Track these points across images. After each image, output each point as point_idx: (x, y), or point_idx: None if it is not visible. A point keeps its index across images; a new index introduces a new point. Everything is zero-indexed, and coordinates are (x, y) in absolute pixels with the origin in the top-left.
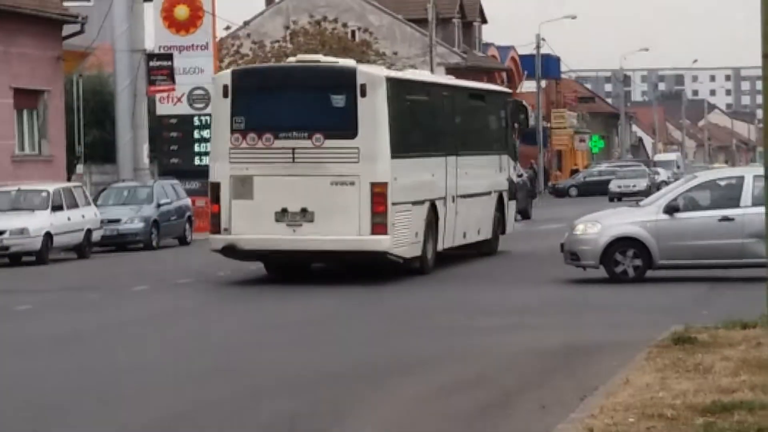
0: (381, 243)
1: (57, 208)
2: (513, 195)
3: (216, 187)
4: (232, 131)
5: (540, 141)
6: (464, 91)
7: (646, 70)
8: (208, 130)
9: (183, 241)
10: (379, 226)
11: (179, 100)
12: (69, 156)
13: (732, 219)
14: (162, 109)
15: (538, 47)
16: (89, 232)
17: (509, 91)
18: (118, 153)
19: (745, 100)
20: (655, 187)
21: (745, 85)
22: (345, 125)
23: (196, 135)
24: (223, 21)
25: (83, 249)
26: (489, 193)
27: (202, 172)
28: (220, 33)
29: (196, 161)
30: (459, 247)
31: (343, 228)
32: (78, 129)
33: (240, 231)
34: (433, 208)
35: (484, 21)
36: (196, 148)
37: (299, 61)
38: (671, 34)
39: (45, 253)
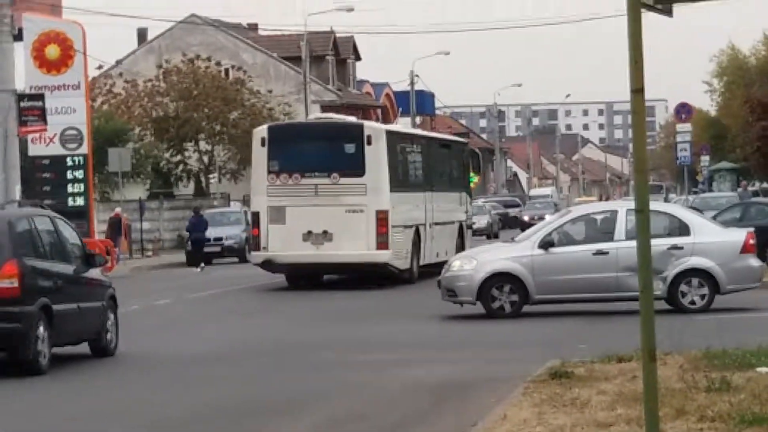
0: (383, 256)
1: None
2: (470, 225)
3: (256, 215)
4: (269, 172)
5: None
6: (436, 141)
7: (519, 105)
8: (82, 171)
9: None
10: (382, 243)
11: (51, 140)
12: None
13: (606, 253)
14: (34, 149)
15: (412, 84)
16: None
17: (466, 141)
18: None
19: (618, 134)
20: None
21: (618, 119)
22: (355, 167)
23: (69, 175)
24: (95, 60)
25: None
26: (453, 223)
27: (78, 213)
28: (92, 72)
29: (70, 202)
30: (432, 264)
31: (355, 245)
32: None
33: (275, 249)
34: (417, 231)
35: (358, 58)
36: (70, 189)
37: (318, 118)
38: (544, 70)
39: None
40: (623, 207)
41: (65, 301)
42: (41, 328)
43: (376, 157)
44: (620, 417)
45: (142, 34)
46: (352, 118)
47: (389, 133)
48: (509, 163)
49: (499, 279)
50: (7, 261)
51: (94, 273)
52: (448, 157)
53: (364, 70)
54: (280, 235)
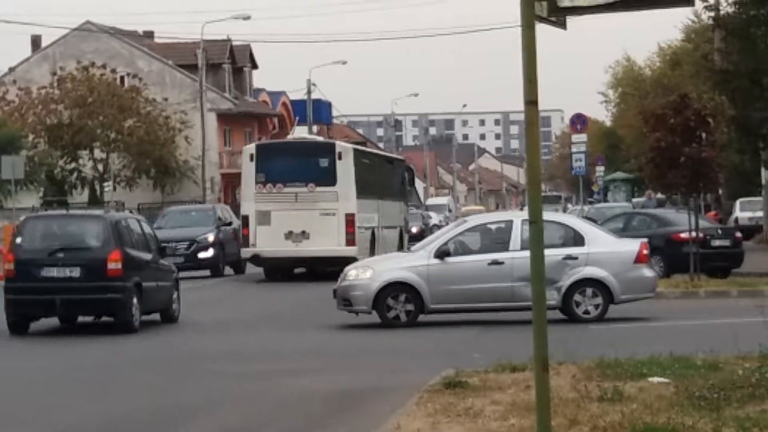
0: (351, 251)
1: None
2: (408, 230)
3: (246, 218)
4: (256, 183)
5: None
6: (385, 158)
7: (416, 114)
8: None
9: None
10: (350, 240)
11: None
12: None
13: (501, 263)
14: None
15: (309, 92)
16: None
17: (403, 158)
18: None
19: (514, 144)
20: (428, 230)
21: (514, 130)
22: (328, 178)
23: None
24: None
25: None
26: (396, 227)
27: None
28: None
29: None
30: None
31: (328, 242)
32: None
33: (262, 246)
34: (373, 233)
35: (254, 66)
36: None
37: (296, 138)
38: (441, 80)
39: None
40: (519, 217)
41: (149, 280)
42: (135, 299)
43: (345, 170)
44: (513, 427)
45: (35, 42)
46: (321, 138)
47: (355, 150)
48: None
49: (394, 288)
50: (113, 250)
51: (165, 260)
52: (393, 172)
53: (261, 79)
54: (266, 235)
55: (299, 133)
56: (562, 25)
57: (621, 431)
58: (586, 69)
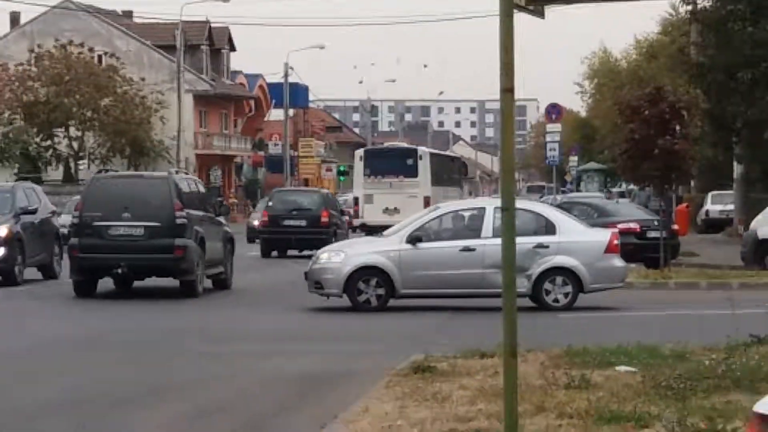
0: None
1: None
2: None
3: (357, 198)
4: (364, 175)
5: (287, 170)
6: (448, 157)
7: (393, 101)
8: None
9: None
10: None
11: None
12: None
13: (473, 249)
14: None
15: (286, 76)
16: None
17: (460, 156)
18: None
19: (489, 132)
20: None
21: (489, 118)
22: (413, 172)
23: None
24: None
25: None
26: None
27: None
28: None
29: None
30: None
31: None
32: None
33: (367, 217)
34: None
35: (232, 48)
36: None
37: (391, 145)
38: (418, 66)
39: None
40: (491, 205)
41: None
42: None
43: (424, 167)
44: (481, 412)
45: (14, 18)
46: (407, 145)
47: (431, 153)
48: None
49: (366, 272)
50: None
51: (222, 219)
52: (453, 167)
53: (238, 61)
54: (370, 210)
55: (275, 115)
56: (540, 14)
57: (587, 419)
58: (563, 59)
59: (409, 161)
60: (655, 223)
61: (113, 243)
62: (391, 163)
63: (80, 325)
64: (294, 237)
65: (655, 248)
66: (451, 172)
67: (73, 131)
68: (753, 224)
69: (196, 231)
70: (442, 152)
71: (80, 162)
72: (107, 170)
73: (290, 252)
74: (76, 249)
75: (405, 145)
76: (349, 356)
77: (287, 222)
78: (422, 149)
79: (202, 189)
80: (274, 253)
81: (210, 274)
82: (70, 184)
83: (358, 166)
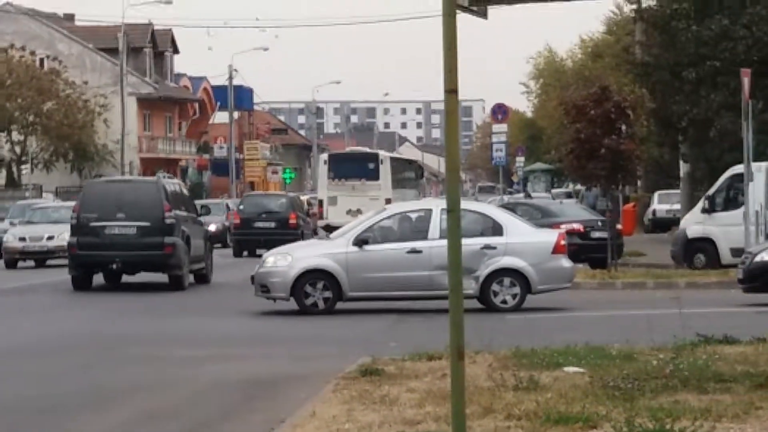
0: None
1: None
2: None
3: (321, 200)
4: (328, 178)
5: (232, 173)
6: (407, 161)
7: (338, 102)
8: None
9: None
10: None
11: None
12: None
13: (420, 251)
14: None
15: (230, 78)
16: None
17: (416, 159)
18: None
19: (436, 133)
20: None
21: (435, 119)
22: (374, 175)
23: None
24: None
25: None
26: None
27: None
28: None
29: None
30: None
31: None
32: None
33: (331, 218)
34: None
35: (176, 51)
36: None
37: (352, 150)
38: (363, 68)
39: None
40: (438, 206)
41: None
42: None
43: (385, 170)
44: (428, 415)
45: None
46: (369, 149)
47: (391, 158)
48: None
49: (312, 275)
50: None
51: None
52: (411, 170)
53: (182, 64)
54: (334, 211)
55: (219, 119)
56: (483, 14)
57: (535, 420)
58: (510, 60)
59: (371, 165)
60: (599, 223)
61: (108, 241)
62: (354, 167)
63: (25, 331)
64: (263, 238)
65: (598, 248)
66: (409, 175)
67: (15, 135)
68: (682, 223)
69: (183, 230)
70: (401, 156)
71: (23, 167)
72: (100, 175)
73: (260, 251)
74: (74, 247)
75: (367, 149)
76: (296, 360)
77: (258, 224)
78: (383, 154)
79: (185, 192)
80: (245, 253)
81: (193, 269)
82: (12, 188)
83: (323, 169)
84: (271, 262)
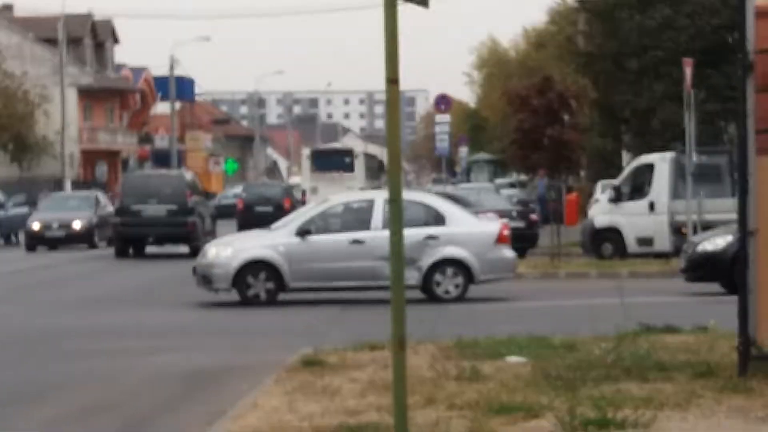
0: None
1: None
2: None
3: (304, 190)
4: (311, 170)
5: (174, 163)
6: (372, 156)
7: (281, 92)
8: None
9: None
10: None
11: None
12: None
13: (362, 242)
14: None
15: (171, 69)
16: None
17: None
18: None
19: (379, 123)
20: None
21: (379, 109)
22: (350, 168)
23: None
24: None
25: None
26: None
27: None
28: None
29: None
30: None
31: None
32: None
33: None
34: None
35: (116, 41)
36: None
37: (331, 146)
38: (305, 58)
39: None
40: (380, 196)
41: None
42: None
43: (360, 164)
44: (370, 405)
45: None
46: (346, 146)
47: (364, 153)
48: (269, 150)
49: (254, 266)
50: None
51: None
52: (377, 163)
53: (123, 54)
54: (316, 200)
55: (161, 109)
56: (424, 3)
57: (477, 410)
58: (452, 50)
59: (347, 159)
60: (514, 213)
61: (144, 220)
62: (333, 160)
63: None
64: (264, 220)
65: (514, 238)
66: (376, 168)
67: None
68: (590, 213)
69: (200, 211)
70: (370, 152)
71: None
72: (134, 169)
73: None
74: (118, 225)
75: (344, 146)
76: (238, 351)
77: (258, 208)
78: (358, 149)
79: (198, 181)
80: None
81: (203, 242)
82: None
83: (306, 162)
84: (212, 253)
